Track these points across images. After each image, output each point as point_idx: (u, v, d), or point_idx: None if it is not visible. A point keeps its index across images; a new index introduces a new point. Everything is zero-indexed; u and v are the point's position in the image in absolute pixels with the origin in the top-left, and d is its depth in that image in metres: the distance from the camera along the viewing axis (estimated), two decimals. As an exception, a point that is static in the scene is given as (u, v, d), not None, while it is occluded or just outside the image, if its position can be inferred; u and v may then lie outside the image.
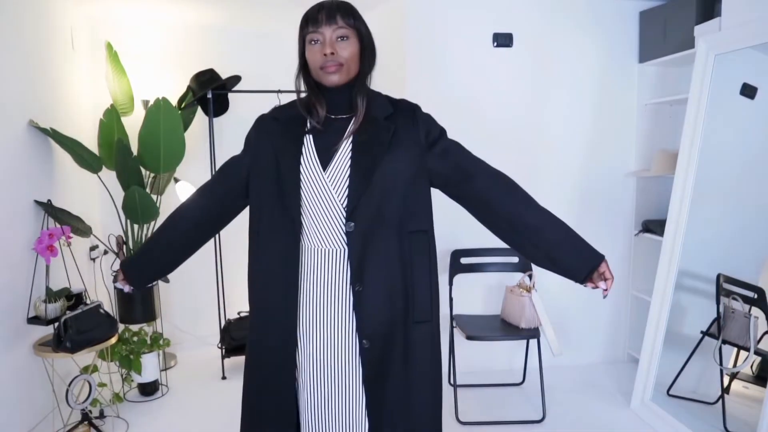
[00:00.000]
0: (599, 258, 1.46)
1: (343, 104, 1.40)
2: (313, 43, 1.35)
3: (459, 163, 1.48)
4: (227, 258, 3.38)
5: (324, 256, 1.37)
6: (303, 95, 1.44)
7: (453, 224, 3.05)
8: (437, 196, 3.21)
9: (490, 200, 1.51)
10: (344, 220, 1.34)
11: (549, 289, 3.15)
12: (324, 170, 1.36)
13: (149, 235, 3.03)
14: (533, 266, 2.91)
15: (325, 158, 1.37)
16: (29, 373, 2.45)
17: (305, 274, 1.38)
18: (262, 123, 1.52)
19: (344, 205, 1.35)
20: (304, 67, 1.41)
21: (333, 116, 1.41)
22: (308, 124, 1.41)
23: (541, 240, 1.48)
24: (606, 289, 1.50)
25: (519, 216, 1.49)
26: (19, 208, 2.43)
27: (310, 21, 1.36)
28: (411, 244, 1.43)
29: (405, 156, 1.40)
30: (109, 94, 3.16)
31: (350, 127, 1.38)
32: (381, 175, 1.35)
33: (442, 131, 1.48)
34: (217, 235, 3.14)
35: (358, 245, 1.34)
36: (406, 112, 1.44)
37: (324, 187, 1.36)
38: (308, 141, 1.39)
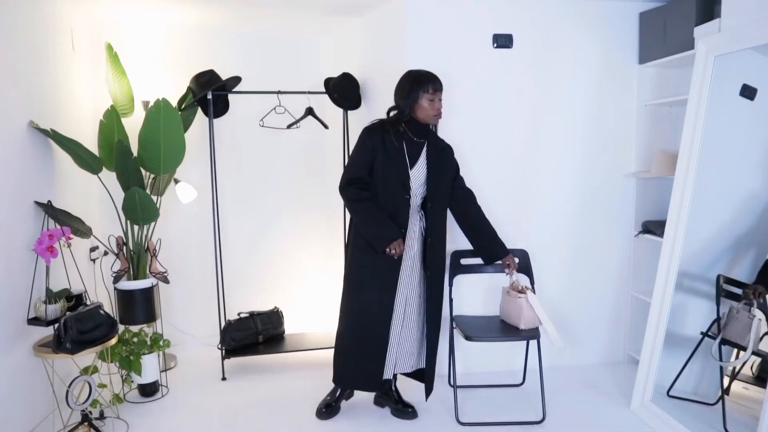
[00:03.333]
0: (506, 252, 2.69)
1: (421, 133, 2.52)
2: (431, 100, 2.43)
3: (460, 182, 2.69)
4: (227, 259, 3.39)
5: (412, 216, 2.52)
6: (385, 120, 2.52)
7: (453, 225, 3.06)
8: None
9: (465, 203, 2.70)
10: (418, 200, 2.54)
11: (549, 291, 3.16)
12: (411, 168, 2.49)
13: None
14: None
15: (412, 161, 2.50)
16: (29, 374, 2.45)
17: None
18: (375, 131, 2.49)
19: (421, 192, 2.52)
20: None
21: (416, 138, 2.51)
22: (404, 139, 2.49)
23: (478, 234, 2.70)
24: (508, 273, 2.71)
25: (473, 217, 2.69)
26: (19, 209, 2.43)
27: (430, 83, 2.43)
28: (444, 215, 2.62)
29: (450, 173, 2.62)
30: (110, 95, 3.16)
31: (425, 149, 2.53)
32: (441, 178, 2.55)
33: (458, 167, 2.68)
34: (217, 238, 3.15)
35: (430, 215, 2.51)
36: (449, 149, 2.62)
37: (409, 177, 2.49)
38: (404, 148, 2.48)
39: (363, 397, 2.83)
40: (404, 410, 2.66)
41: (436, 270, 2.58)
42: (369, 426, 2.59)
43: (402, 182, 2.46)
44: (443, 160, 2.57)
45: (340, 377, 2.65)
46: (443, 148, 2.59)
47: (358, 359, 2.55)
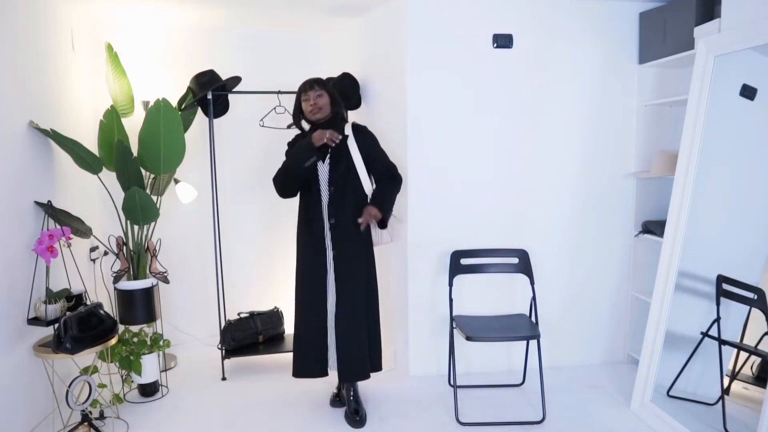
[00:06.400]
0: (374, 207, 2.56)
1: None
2: (305, 100, 2.60)
3: (378, 164, 2.67)
4: (227, 259, 3.39)
5: (319, 203, 2.60)
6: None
7: (453, 225, 3.07)
8: (437, 199, 3.22)
9: (378, 181, 2.68)
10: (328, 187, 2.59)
11: (549, 290, 3.16)
12: (323, 164, 2.59)
13: (149, 235, 3.04)
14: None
15: (323, 158, 2.59)
16: (29, 374, 2.45)
17: (313, 209, 2.61)
18: (294, 142, 2.72)
19: (325, 182, 2.59)
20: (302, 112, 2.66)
21: None
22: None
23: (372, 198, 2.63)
24: (360, 222, 2.54)
25: (378, 189, 2.66)
26: (19, 209, 2.43)
27: (302, 88, 2.63)
28: (351, 197, 2.61)
29: (364, 153, 2.61)
30: (110, 95, 3.16)
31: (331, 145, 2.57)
32: (341, 163, 2.57)
33: (371, 145, 2.67)
34: (217, 238, 3.15)
35: (334, 198, 2.56)
36: (358, 130, 2.63)
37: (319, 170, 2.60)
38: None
39: (362, 398, 2.83)
40: (351, 416, 2.62)
41: (347, 252, 2.57)
42: (369, 426, 2.59)
43: (307, 179, 2.59)
44: (349, 145, 2.58)
45: (294, 369, 2.70)
46: (355, 132, 2.61)
47: (306, 347, 2.65)
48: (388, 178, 2.65)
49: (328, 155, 2.57)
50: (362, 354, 2.61)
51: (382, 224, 2.62)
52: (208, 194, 3.27)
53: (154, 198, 2.99)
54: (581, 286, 3.24)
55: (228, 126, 3.56)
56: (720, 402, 2.49)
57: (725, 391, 2.57)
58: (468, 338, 2.62)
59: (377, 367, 2.71)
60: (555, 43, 3.06)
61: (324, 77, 3.40)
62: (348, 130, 2.60)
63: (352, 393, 2.68)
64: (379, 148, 2.66)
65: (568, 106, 3.11)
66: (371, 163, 2.61)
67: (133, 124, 3.08)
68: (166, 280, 3.08)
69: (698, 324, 2.62)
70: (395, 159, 3.09)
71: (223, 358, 3.13)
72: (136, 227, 2.97)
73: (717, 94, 2.51)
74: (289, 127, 3.24)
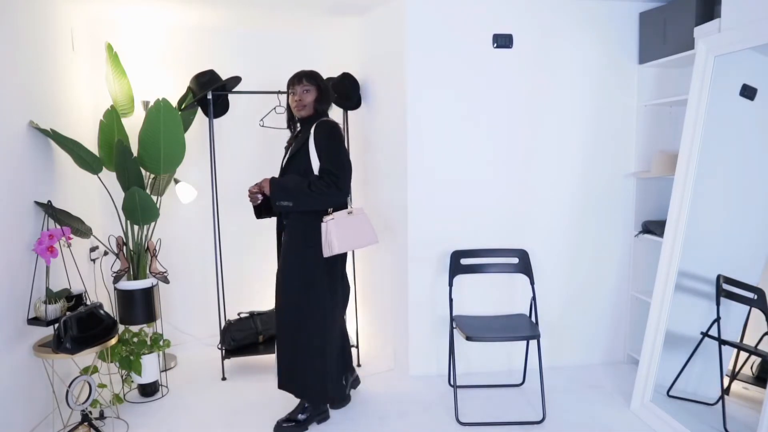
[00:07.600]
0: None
1: (301, 128, 2.58)
2: (292, 93, 2.54)
3: (321, 167, 2.48)
4: (227, 259, 3.39)
5: None
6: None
7: (453, 225, 3.07)
8: (437, 199, 3.22)
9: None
10: None
11: (549, 290, 3.16)
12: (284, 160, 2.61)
13: (149, 236, 3.04)
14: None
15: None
16: (29, 374, 2.45)
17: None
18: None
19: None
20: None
21: (299, 134, 2.57)
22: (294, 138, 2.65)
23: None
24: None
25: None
26: (19, 209, 2.43)
27: (289, 82, 2.56)
28: None
29: (314, 153, 2.47)
30: (110, 95, 3.16)
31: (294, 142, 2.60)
32: (292, 164, 2.52)
33: (319, 146, 2.48)
34: (217, 238, 3.15)
35: None
36: (317, 128, 2.47)
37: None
38: (289, 148, 2.63)
39: (362, 399, 2.83)
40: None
41: (287, 254, 2.52)
42: (369, 426, 2.59)
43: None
44: (301, 145, 2.48)
45: None
46: (307, 135, 2.47)
47: None
48: (323, 180, 2.40)
49: (286, 154, 2.59)
50: (281, 362, 2.55)
51: (268, 206, 2.56)
52: (208, 194, 3.27)
53: (154, 198, 2.99)
54: (581, 286, 3.24)
55: (228, 126, 3.56)
56: (720, 402, 2.49)
57: (725, 391, 2.57)
58: (468, 338, 2.62)
59: (298, 392, 2.56)
60: (555, 43, 3.06)
61: (324, 77, 3.41)
62: (312, 128, 2.46)
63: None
64: (326, 150, 2.43)
65: (568, 106, 3.11)
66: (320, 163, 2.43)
67: (133, 124, 3.08)
68: (166, 280, 3.08)
69: (698, 324, 2.62)
70: (395, 159, 3.11)
71: (223, 358, 3.13)
72: (136, 227, 2.97)
73: (717, 94, 2.51)
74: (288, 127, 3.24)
